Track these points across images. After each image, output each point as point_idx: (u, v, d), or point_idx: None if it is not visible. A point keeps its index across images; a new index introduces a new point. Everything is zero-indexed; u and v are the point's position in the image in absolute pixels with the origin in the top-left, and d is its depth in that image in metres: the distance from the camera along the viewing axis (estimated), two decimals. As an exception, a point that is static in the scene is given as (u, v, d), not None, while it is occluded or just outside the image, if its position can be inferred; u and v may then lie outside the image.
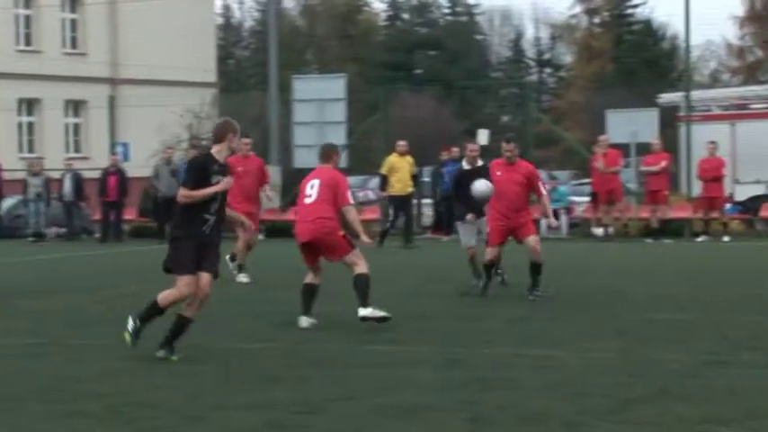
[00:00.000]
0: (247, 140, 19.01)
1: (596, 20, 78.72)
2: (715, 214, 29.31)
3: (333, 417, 7.67)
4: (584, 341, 10.97)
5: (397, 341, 10.89)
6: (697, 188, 30.60)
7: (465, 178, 15.35)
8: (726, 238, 28.29)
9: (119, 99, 43.43)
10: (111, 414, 7.84)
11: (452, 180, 16.31)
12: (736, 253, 24.94)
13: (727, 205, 30.82)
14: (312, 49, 75.81)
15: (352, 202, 12.45)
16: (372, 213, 32.77)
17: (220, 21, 76.69)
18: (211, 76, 51.28)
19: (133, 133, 41.37)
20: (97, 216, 31.63)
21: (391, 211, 27.39)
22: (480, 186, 14.58)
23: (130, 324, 10.11)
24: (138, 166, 34.83)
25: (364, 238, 12.43)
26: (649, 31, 73.42)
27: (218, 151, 10.14)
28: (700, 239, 28.49)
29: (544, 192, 15.54)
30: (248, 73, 75.24)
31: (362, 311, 11.87)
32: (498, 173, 14.62)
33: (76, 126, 47.89)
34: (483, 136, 35.03)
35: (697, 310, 13.40)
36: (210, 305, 14.72)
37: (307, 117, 34.27)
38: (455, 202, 16.35)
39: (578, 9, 77.97)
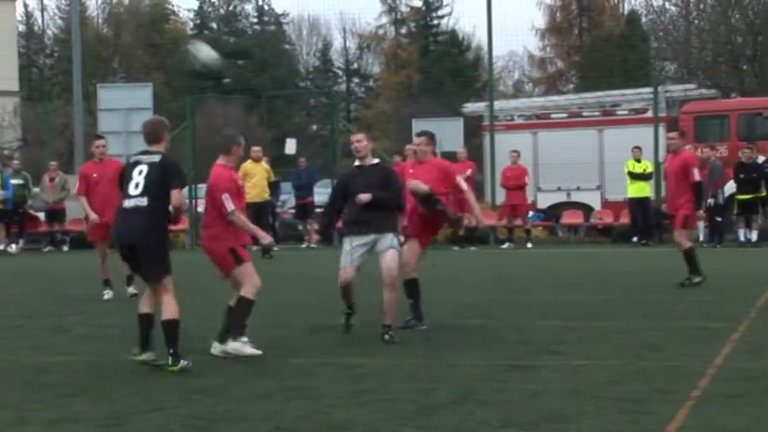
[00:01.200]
0: (101, 142, 17.43)
1: (403, 30, 79.89)
2: (518, 221, 30.05)
3: (138, 429, 7.58)
4: (390, 348, 11.07)
5: (201, 350, 10.73)
6: (501, 196, 31.28)
7: (353, 178, 12.23)
8: (529, 245, 29.01)
9: None
10: None
11: (338, 183, 12.67)
12: (538, 259, 25.52)
13: (530, 213, 31.53)
14: (118, 58, 74.56)
15: (230, 209, 10.74)
16: (181, 223, 32.42)
17: (22, 28, 75.14)
18: (13, 85, 50.21)
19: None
20: None
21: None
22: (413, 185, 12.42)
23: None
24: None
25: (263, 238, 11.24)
26: (454, 42, 74.60)
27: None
28: (504, 246, 29.16)
29: (464, 186, 13.32)
30: (52, 81, 73.60)
31: (229, 345, 10.63)
32: (411, 171, 12.83)
33: None
34: (291, 145, 35.16)
35: (501, 316, 13.66)
36: (11, 317, 14.52)
37: (113, 126, 33.60)
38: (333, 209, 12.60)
39: (385, 20, 79.11)
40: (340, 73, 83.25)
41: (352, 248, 11.74)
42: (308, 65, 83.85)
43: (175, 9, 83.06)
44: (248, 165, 27.37)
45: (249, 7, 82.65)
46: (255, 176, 27.02)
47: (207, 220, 10.96)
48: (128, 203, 9.86)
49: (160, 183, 9.83)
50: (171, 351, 9.74)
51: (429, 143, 12.92)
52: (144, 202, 9.78)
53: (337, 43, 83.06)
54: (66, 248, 31.36)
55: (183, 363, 9.71)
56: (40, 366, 10.13)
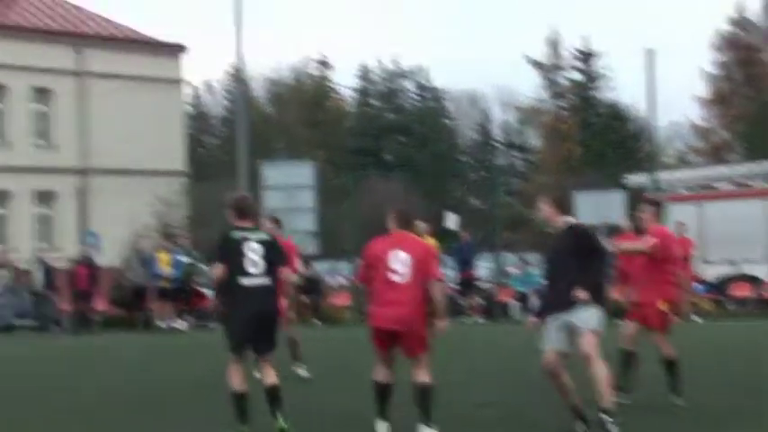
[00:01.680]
0: (270, 223, 16.42)
1: (563, 103, 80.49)
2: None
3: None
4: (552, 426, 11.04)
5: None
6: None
7: (546, 247, 11.62)
8: (696, 318, 28.62)
9: (89, 189, 44.10)
10: None
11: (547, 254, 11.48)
12: (709, 333, 25.19)
13: (696, 285, 31.22)
14: (281, 136, 76.79)
15: (442, 276, 10.77)
16: (344, 299, 33.08)
17: (190, 109, 78.03)
18: (181, 165, 51.86)
19: (104, 222, 41.73)
20: (67, 307, 31.68)
21: None
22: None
23: None
24: (109, 255, 35.06)
25: (442, 322, 10.72)
26: (615, 114, 75.46)
27: None
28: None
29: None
30: (218, 161, 76.09)
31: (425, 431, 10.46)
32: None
33: (46, 217, 48.14)
34: (451, 219, 35.59)
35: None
36: (182, 392, 14.92)
37: (276, 204, 34.49)
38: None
39: (544, 93, 79.72)
40: (500, 146, 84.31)
41: (549, 328, 10.75)
42: (468, 139, 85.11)
43: (337, 87, 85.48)
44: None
45: (409, 84, 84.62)
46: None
47: (413, 295, 10.51)
48: (250, 282, 10.36)
49: (273, 261, 10.50)
50: (278, 413, 10.30)
51: (652, 213, 13.11)
52: (268, 281, 10.42)
53: (497, 117, 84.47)
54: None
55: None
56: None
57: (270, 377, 10.44)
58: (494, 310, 34.65)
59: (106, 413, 13.12)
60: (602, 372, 10.42)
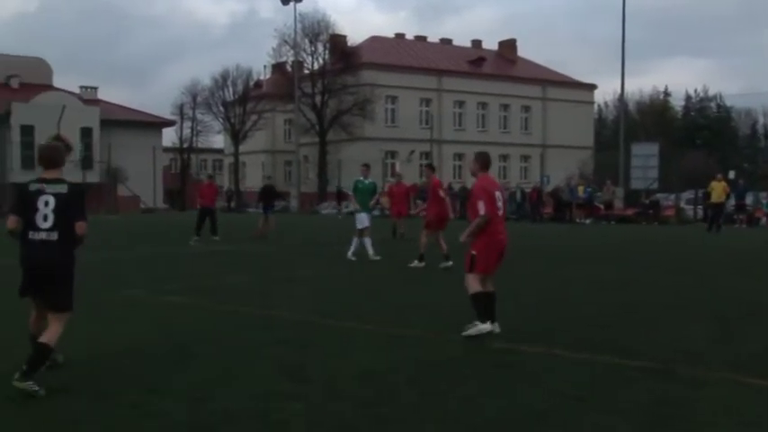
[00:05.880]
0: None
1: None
2: None
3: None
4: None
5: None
6: None
7: None
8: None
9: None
10: None
11: None
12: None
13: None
14: (642, 131, 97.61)
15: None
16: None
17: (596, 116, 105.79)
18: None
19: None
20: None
21: None
22: None
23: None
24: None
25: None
26: None
27: None
28: None
29: None
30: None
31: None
32: None
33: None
34: (731, 174, 47.61)
35: None
36: None
37: (637, 164, 55.56)
38: None
39: None
40: (760, 138, 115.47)
41: None
42: (744, 133, 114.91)
43: (673, 103, 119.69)
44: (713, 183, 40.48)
45: (711, 103, 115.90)
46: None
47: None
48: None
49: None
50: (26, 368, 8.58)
51: None
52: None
53: (760, 123, 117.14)
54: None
55: (31, 385, 8.55)
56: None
57: (48, 334, 8.86)
58: (752, 220, 46.61)
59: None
60: None
